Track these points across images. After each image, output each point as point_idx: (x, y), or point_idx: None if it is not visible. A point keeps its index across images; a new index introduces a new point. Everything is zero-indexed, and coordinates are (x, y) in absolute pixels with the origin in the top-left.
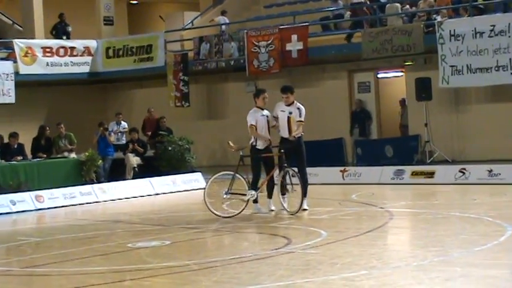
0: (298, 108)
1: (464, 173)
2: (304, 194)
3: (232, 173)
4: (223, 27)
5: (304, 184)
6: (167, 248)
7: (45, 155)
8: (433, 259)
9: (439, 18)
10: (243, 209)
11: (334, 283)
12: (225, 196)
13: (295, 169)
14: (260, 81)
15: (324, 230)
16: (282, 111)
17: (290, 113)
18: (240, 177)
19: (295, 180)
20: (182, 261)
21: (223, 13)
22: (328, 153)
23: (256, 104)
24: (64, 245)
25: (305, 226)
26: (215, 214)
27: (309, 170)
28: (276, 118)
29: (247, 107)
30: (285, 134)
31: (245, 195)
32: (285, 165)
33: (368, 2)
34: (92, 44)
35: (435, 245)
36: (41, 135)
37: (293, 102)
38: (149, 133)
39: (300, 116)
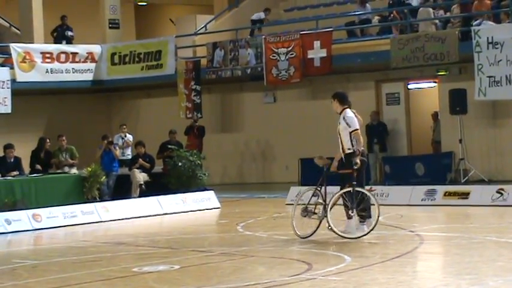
0: (344, 118)
1: (502, 194)
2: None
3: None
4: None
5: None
6: (176, 273)
7: (41, 168)
8: None
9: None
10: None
11: None
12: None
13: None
14: (279, 92)
15: (347, 255)
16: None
17: (339, 123)
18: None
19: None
20: None
21: (265, 11)
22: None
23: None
24: (63, 269)
25: (327, 250)
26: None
27: (332, 189)
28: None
29: (264, 119)
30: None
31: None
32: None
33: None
34: (96, 49)
35: (469, 273)
36: (40, 148)
37: (342, 110)
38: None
39: (350, 126)
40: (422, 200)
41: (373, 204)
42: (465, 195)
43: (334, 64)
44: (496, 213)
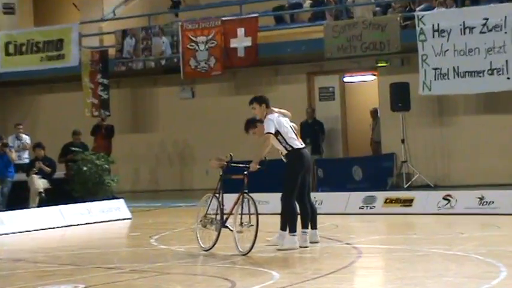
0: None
1: (449, 201)
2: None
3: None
4: None
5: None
6: None
7: None
8: None
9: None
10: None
11: None
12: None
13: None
14: (198, 86)
15: (275, 271)
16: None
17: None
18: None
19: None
20: None
21: None
22: (281, 175)
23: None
24: None
25: (252, 266)
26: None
27: (257, 196)
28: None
29: (181, 117)
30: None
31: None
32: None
33: None
34: None
35: None
36: None
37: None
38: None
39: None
40: (360, 208)
41: (253, 214)
42: (408, 202)
43: (260, 54)
44: (443, 222)
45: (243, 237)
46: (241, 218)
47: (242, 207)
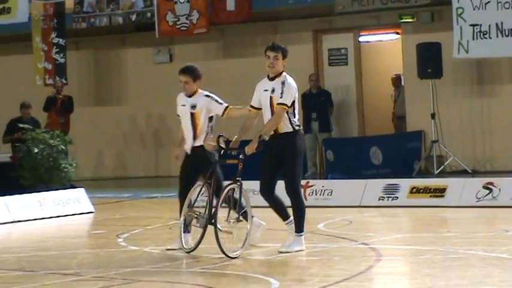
0: (283, 83)
1: (491, 190)
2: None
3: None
4: None
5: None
6: None
7: None
8: None
9: None
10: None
11: None
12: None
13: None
14: (177, 47)
15: (275, 278)
16: (265, 90)
17: (273, 90)
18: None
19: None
20: None
21: None
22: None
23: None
24: None
25: (248, 272)
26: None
27: (251, 184)
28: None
29: (157, 86)
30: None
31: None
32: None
33: None
34: None
35: None
36: None
37: (280, 73)
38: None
39: (281, 97)
40: (379, 199)
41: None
42: (440, 192)
43: (255, 8)
44: (483, 217)
45: (231, 237)
46: (228, 213)
47: (230, 200)
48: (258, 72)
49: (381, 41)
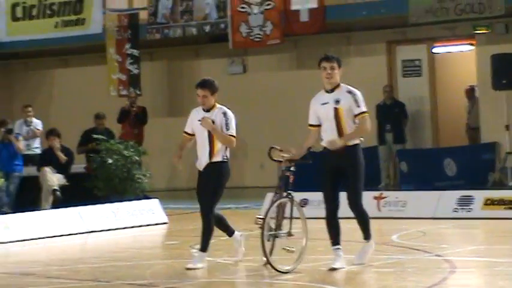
0: (351, 92)
1: None
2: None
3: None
4: None
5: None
6: None
7: None
8: None
9: None
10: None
11: None
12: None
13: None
14: (250, 58)
15: None
16: (323, 103)
17: (337, 101)
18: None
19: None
20: None
21: None
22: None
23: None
24: None
25: (317, 283)
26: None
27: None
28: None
29: (230, 96)
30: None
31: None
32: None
33: None
34: None
35: None
36: None
37: (338, 84)
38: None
39: (358, 105)
40: (453, 210)
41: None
42: None
43: (328, 19)
44: None
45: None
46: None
47: (281, 212)
48: None
49: (454, 52)
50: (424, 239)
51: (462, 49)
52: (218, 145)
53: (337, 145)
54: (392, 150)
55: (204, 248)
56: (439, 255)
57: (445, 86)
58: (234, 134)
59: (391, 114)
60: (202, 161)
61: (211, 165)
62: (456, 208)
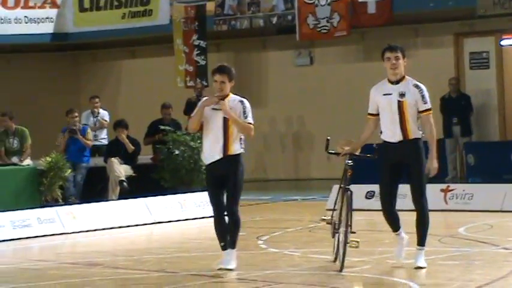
0: (418, 87)
1: None
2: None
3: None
4: None
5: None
6: None
7: None
8: None
9: None
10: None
11: None
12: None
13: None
14: (317, 50)
15: (415, 282)
16: (385, 94)
17: (402, 95)
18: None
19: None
20: None
21: None
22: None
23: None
24: None
25: (385, 275)
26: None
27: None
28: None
29: (297, 88)
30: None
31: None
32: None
33: None
34: None
35: None
36: None
37: (404, 76)
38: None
39: (425, 102)
40: None
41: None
42: None
43: (396, 10)
44: None
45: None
46: (349, 222)
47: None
48: None
49: None
50: (491, 231)
51: None
52: (233, 136)
53: (436, 170)
54: (459, 143)
55: (234, 244)
56: (506, 248)
57: None
58: (252, 122)
59: (457, 107)
60: (214, 154)
61: (228, 159)
62: None
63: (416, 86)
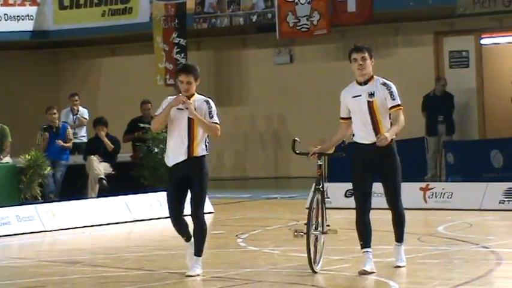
0: (385, 85)
1: None
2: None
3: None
4: None
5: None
6: None
7: None
8: None
9: None
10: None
11: None
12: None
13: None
14: (297, 48)
15: (394, 281)
16: (354, 96)
17: (371, 94)
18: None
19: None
20: None
21: None
22: (402, 160)
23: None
24: None
25: (365, 274)
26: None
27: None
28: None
29: (277, 86)
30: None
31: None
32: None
33: None
34: None
35: None
36: None
37: (372, 76)
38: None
39: (394, 98)
40: (500, 202)
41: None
42: None
43: (376, 9)
44: None
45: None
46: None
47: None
48: (378, 74)
49: (502, 43)
50: (470, 230)
51: (510, 40)
52: (199, 137)
53: (387, 141)
54: (442, 141)
55: (200, 252)
56: (485, 247)
57: (493, 77)
58: (218, 122)
59: (443, 105)
60: (179, 155)
61: (192, 160)
62: (503, 200)
63: (384, 84)
